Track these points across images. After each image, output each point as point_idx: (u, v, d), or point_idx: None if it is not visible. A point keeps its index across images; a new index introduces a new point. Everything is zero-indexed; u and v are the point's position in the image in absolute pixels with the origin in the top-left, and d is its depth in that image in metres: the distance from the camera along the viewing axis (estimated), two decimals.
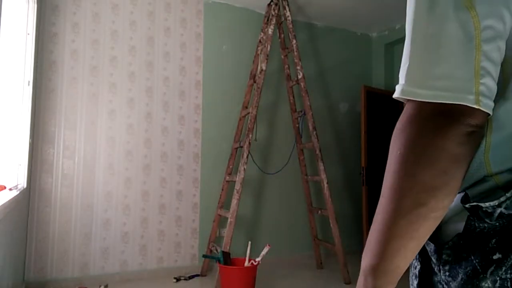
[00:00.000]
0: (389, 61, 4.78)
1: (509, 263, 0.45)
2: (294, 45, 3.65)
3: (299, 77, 3.64)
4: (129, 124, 3.54)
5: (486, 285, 0.46)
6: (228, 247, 3.08)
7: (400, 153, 0.48)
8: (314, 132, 3.59)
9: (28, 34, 2.72)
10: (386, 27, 4.68)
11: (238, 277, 2.88)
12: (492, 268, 0.46)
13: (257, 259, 2.99)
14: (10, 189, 2.33)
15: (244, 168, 3.25)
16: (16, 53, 2.53)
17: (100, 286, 3.20)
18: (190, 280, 3.47)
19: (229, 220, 3.15)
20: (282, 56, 4.01)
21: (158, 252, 3.58)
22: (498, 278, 0.45)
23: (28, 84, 2.71)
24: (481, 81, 0.44)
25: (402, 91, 0.48)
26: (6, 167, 2.46)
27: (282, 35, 3.99)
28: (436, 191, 0.46)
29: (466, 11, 0.44)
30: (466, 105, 0.44)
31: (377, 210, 0.52)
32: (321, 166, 3.55)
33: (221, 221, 3.73)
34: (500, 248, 0.46)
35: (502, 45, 0.45)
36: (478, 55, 0.44)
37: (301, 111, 3.76)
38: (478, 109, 0.44)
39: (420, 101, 0.46)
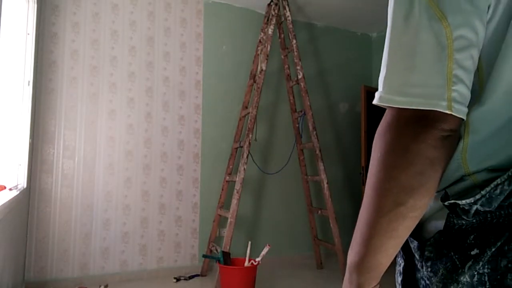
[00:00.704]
0: None
1: (486, 259, 0.47)
2: (294, 45, 3.65)
3: (299, 77, 3.64)
4: (129, 124, 3.54)
5: (465, 279, 0.48)
6: (228, 247, 3.08)
7: (380, 156, 0.50)
8: (314, 132, 3.59)
9: (28, 34, 2.73)
10: (386, 27, 4.68)
11: (238, 277, 2.88)
12: (470, 263, 0.48)
13: (257, 259, 2.99)
14: (10, 189, 2.33)
15: (244, 168, 3.25)
16: (16, 53, 2.54)
17: (100, 286, 3.20)
18: (190, 280, 3.47)
19: (229, 220, 3.15)
20: (282, 56, 4.01)
21: (158, 252, 3.58)
22: (475, 273, 0.48)
23: (28, 84, 2.72)
24: (453, 88, 0.46)
25: (380, 98, 0.50)
26: (6, 167, 2.47)
27: (282, 35, 3.99)
28: (413, 191, 0.48)
29: (439, 22, 0.46)
30: (439, 111, 0.46)
31: (360, 210, 0.54)
32: (321, 166, 3.55)
33: (221, 221, 3.74)
34: (477, 244, 0.48)
35: (476, 53, 0.47)
36: (451, 63, 0.46)
37: (301, 111, 3.76)
38: (451, 115, 0.46)
39: (398, 108, 0.48)
